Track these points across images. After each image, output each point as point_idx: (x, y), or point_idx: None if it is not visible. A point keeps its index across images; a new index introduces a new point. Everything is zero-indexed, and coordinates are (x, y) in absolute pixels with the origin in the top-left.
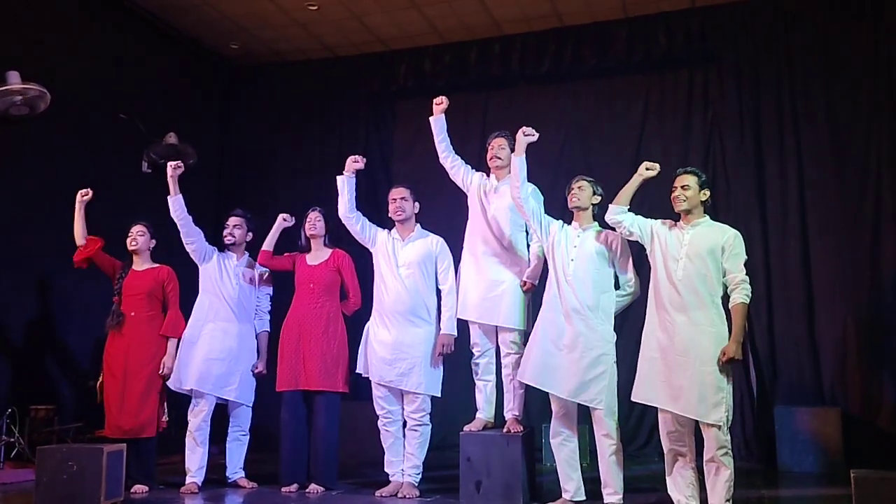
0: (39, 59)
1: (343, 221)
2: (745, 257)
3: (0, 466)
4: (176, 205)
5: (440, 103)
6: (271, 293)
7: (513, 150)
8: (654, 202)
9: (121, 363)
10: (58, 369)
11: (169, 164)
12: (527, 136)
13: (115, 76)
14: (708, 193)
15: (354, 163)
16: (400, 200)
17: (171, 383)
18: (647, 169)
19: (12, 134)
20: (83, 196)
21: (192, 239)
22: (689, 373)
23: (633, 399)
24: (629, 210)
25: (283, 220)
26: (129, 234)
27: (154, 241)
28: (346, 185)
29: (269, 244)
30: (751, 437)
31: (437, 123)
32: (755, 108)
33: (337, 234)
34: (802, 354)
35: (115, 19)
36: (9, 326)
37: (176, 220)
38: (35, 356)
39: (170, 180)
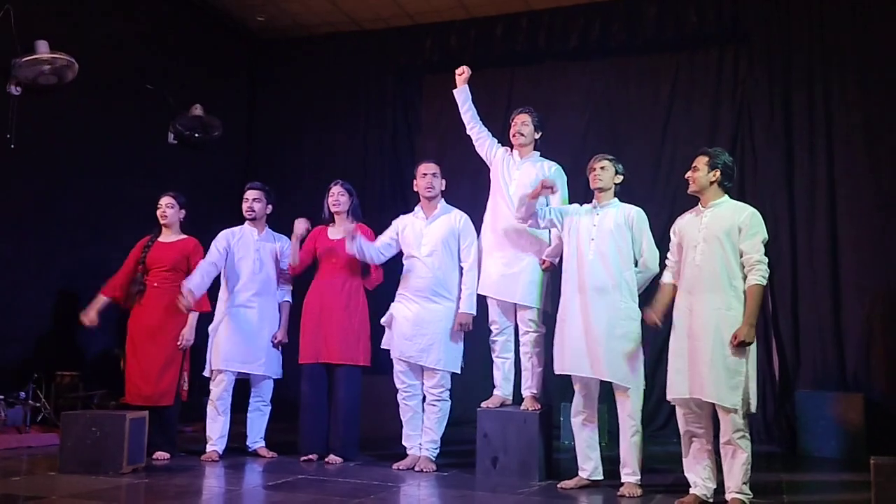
0: (68, 28)
1: (471, 137)
2: (765, 237)
3: (26, 430)
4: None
5: (462, 73)
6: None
7: (536, 129)
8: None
9: (144, 334)
10: (83, 337)
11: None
12: (546, 188)
13: (143, 47)
14: (718, 174)
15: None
16: (430, 176)
17: (206, 373)
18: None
19: (41, 103)
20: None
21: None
22: (707, 356)
23: (668, 399)
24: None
25: (299, 229)
26: (159, 206)
27: (183, 211)
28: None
29: (294, 259)
30: (772, 421)
31: (461, 94)
32: (785, 88)
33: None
34: (826, 339)
35: None
36: (36, 293)
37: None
38: (61, 323)
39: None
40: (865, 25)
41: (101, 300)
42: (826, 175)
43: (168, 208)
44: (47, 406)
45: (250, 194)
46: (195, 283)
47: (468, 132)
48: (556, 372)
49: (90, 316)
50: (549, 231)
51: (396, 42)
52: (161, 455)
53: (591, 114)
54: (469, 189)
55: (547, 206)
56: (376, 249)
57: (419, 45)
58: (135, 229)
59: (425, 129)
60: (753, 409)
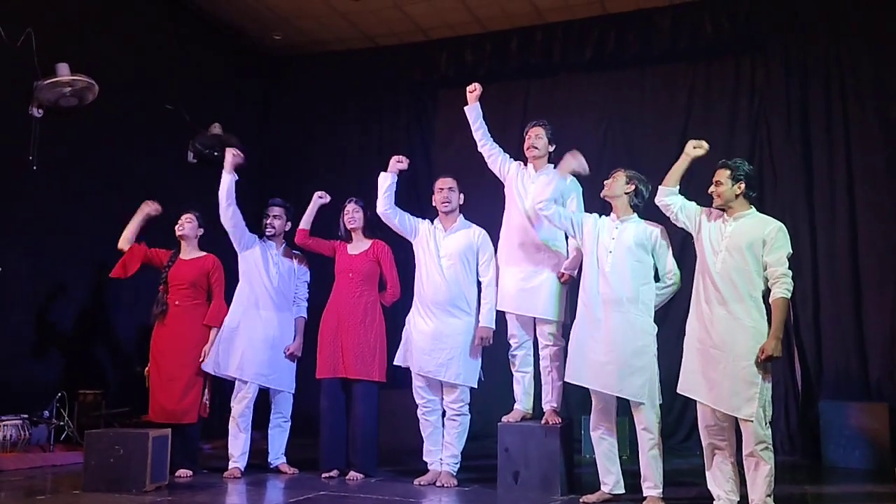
0: (88, 51)
1: (381, 218)
2: (789, 251)
3: (50, 449)
4: (226, 183)
5: (473, 90)
6: (308, 280)
7: (550, 142)
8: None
9: (166, 351)
10: (106, 355)
11: (229, 149)
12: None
13: (161, 67)
14: (742, 186)
15: (398, 163)
16: (447, 191)
17: (205, 366)
18: (695, 147)
19: (62, 124)
20: (151, 210)
21: (235, 221)
22: (723, 366)
23: (678, 391)
24: (679, 193)
25: (318, 198)
26: (178, 221)
27: (202, 229)
28: (386, 182)
29: (306, 223)
30: (795, 432)
31: (473, 112)
32: (803, 95)
33: (378, 224)
34: (849, 348)
35: (161, 11)
36: (60, 313)
37: (221, 199)
38: (84, 342)
39: (228, 160)
40: (882, 32)
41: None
42: (846, 182)
43: (187, 223)
44: (71, 424)
45: (272, 210)
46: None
47: (479, 149)
48: (566, 380)
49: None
50: (567, 243)
51: (411, 58)
52: (184, 472)
53: (606, 125)
54: (485, 204)
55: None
56: (395, 208)
57: (434, 60)
58: (155, 246)
59: (440, 144)
60: (769, 418)
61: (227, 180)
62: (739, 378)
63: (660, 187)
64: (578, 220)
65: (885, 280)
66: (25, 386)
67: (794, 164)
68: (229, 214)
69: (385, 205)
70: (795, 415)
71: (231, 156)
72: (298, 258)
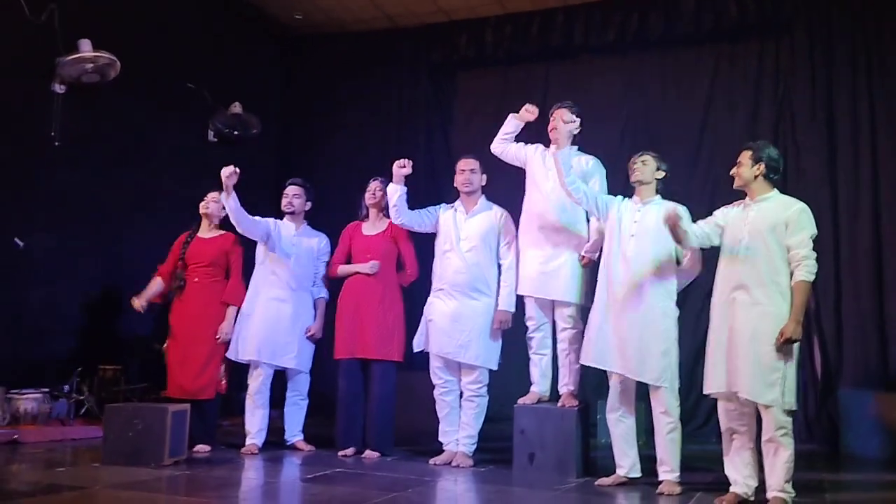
0: (110, 27)
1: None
2: (813, 232)
3: (70, 422)
4: (231, 210)
5: (531, 111)
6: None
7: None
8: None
9: (184, 328)
10: (125, 331)
11: (223, 171)
12: (566, 122)
13: (183, 45)
14: (762, 167)
15: (401, 169)
16: (469, 172)
17: (230, 354)
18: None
19: (84, 101)
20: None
21: (252, 231)
22: (745, 351)
23: (704, 392)
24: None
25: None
26: (204, 199)
27: (224, 210)
28: (395, 195)
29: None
30: (813, 420)
31: (515, 124)
32: (828, 80)
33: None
34: (870, 336)
35: None
36: (80, 289)
37: (234, 222)
38: (104, 318)
39: (225, 184)
40: None
41: (156, 284)
42: (870, 170)
43: (213, 202)
44: (90, 399)
45: (290, 189)
46: (237, 207)
47: (494, 149)
48: (582, 362)
49: (142, 301)
50: (588, 226)
51: (431, 38)
52: (202, 448)
53: (628, 109)
54: (505, 187)
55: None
56: (408, 215)
57: (454, 41)
58: (174, 225)
59: (460, 125)
60: (793, 406)
61: (231, 206)
62: (762, 364)
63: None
64: (604, 202)
65: None
66: (46, 360)
67: (817, 150)
68: (245, 229)
69: (397, 216)
70: (814, 403)
71: (225, 178)
72: (319, 238)
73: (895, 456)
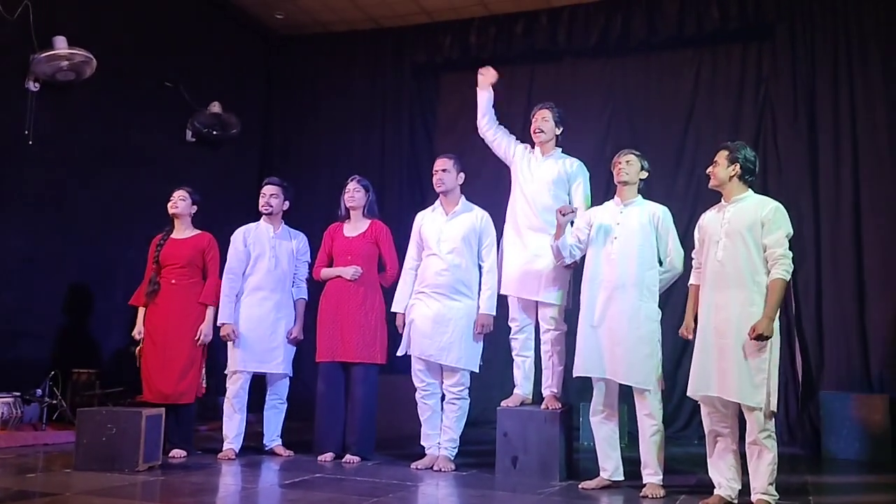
0: (86, 24)
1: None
2: (789, 231)
3: (42, 427)
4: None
5: (485, 74)
6: (309, 260)
7: (557, 124)
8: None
9: (161, 331)
10: (100, 334)
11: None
12: (564, 215)
13: (161, 43)
14: (737, 168)
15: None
16: (441, 172)
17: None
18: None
19: (58, 99)
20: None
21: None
22: (728, 354)
23: (688, 394)
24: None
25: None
26: (171, 199)
27: (195, 207)
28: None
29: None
30: (795, 423)
31: (485, 96)
32: (810, 84)
33: (378, 206)
34: (851, 339)
35: None
36: (53, 291)
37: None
38: (78, 321)
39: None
40: (891, 19)
41: (142, 312)
42: (851, 172)
43: (180, 200)
44: (63, 403)
45: (268, 189)
46: (228, 314)
47: (482, 133)
48: (575, 375)
49: (136, 330)
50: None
51: (415, 39)
52: (177, 453)
53: (611, 111)
54: (488, 187)
55: (570, 203)
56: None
57: (438, 42)
58: (151, 226)
59: (443, 126)
60: (774, 407)
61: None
62: (746, 365)
63: None
64: (584, 239)
65: (889, 271)
66: (18, 364)
67: (799, 152)
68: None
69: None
70: (795, 406)
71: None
72: (298, 239)
73: (876, 458)
